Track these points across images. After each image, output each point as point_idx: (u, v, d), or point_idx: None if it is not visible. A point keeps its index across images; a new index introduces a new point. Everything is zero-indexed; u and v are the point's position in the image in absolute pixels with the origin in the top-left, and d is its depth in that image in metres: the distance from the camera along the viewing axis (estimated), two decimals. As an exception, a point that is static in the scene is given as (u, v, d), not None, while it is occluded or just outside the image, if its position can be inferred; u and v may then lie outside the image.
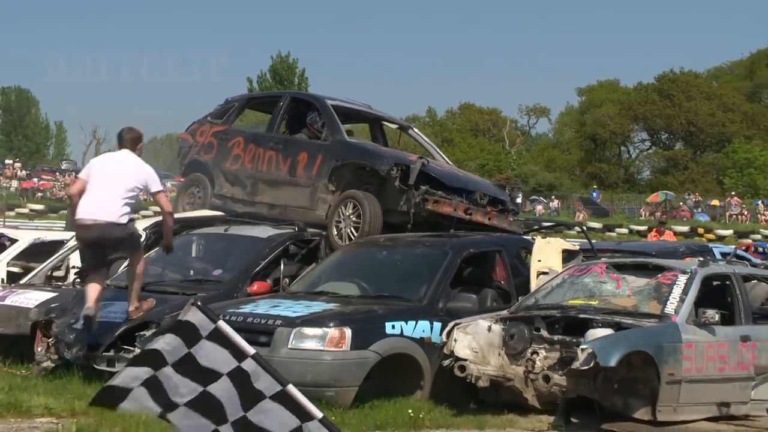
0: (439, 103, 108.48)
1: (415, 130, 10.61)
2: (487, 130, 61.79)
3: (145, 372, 2.95)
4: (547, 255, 7.51)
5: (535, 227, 9.92)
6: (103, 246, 6.82)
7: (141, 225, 9.33)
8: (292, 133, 9.55)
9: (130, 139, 7.01)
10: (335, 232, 8.23)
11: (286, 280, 7.71)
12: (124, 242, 6.85)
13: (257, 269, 7.63)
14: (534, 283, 7.26)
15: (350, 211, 8.19)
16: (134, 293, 7.02)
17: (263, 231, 8.20)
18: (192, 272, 7.96)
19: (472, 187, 8.65)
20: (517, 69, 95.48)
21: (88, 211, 6.74)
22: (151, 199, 7.09)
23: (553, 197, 42.70)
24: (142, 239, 8.69)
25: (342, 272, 7.57)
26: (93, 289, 6.86)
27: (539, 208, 39.50)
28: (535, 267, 7.43)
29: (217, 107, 10.43)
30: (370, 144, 9.50)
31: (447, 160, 10.16)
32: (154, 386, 2.93)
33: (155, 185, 6.94)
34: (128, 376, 2.99)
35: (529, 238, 8.45)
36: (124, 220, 6.78)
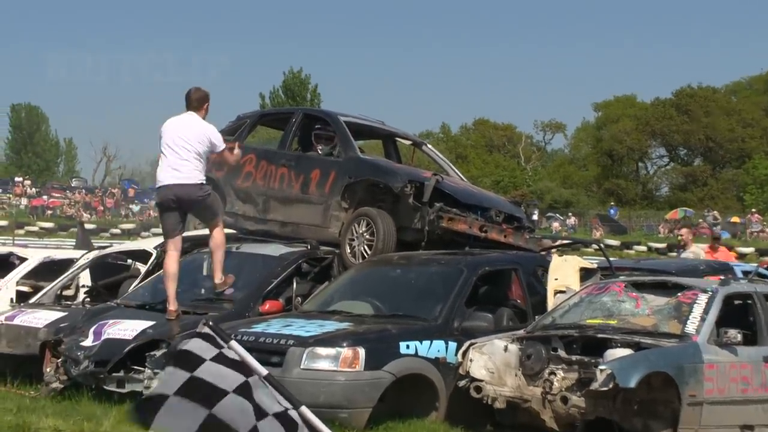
0: (453, 119, 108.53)
1: (429, 146, 10.60)
2: (502, 146, 61.78)
3: (181, 376, 2.89)
4: (564, 273, 7.48)
5: (551, 245, 9.87)
6: (181, 205, 7.29)
7: (151, 243, 9.40)
8: (304, 150, 9.56)
9: (196, 99, 7.46)
10: (348, 250, 8.23)
11: (299, 298, 7.72)
12: (202, 203, 7.33)
13: (269, 288, 7.64)
14: (551, 302, 7.22)
15: (363, 229, 8.18)
16: (218, 264, 7.44)
17: (275, 249, 8.22)
18: (203, 291, 7.97)
19: (487, 204, 8.64)
20: (533, 84, 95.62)
21: (165, 176, 7.26)
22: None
23: (569, 214, 42.59)
24: (153, 257, 8.77)
25: (355, 291, 7.56)
26: (171, 283, 7.25)
27: (556, 225, 39.40)
28: (552, 285, 7.40)
29: (229, 124, 10.46)
30: (383, 161, 9.51)
31: (461, 176, 10.14)
32: (190, 392, 2.87)
33: (219, 145, 7.45)
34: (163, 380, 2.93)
35: (545, 255, 8.43)
36: (199, 180, 7.28)
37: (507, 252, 8.10)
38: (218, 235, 7.52)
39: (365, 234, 8.17)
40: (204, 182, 7.34)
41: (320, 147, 9.11)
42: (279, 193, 9.14)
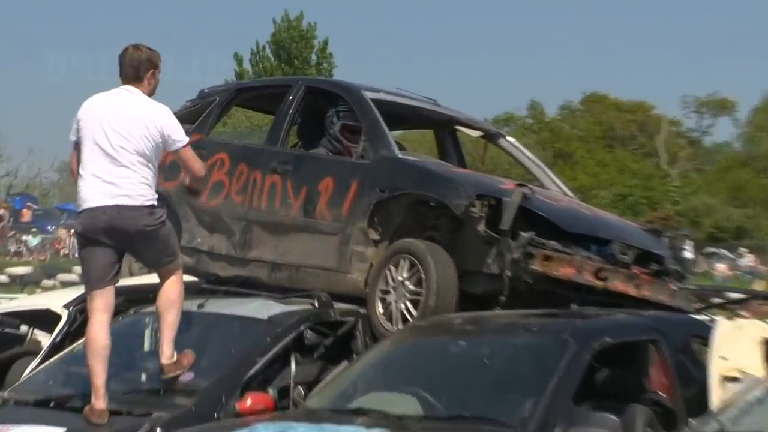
0: (548, 95, 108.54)
1: (510, 138, 10.66)
2: (631, 137, 61.65)
3: None
4: (737, 349, 7.44)
5: (716, 301, 9.82)
6: (116, 240, 7.29)
7: (59, 298, 9.47)
8: (308, 146, 9.63)
9: (134, 65, 7.49)
10: (380, 310, 8.28)
11: (300, 389, 7.75)
12: (153, 237, 7.35)
13: (252, 372, 7.65)
14: (716, 396, 7.18)
15: (405, 275, 8.23)
16: (169, 333, 7.49)
17: (261, 308, 8.27)
18: (144, 377, 8.03)
19: (608, 233, 8.66)
20: (677, 38, 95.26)
21: (92, 193, 7.26)
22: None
23: (743, 249, 42.24)
24: (63, 322, 8.83)
25: (392, 377, 7.58)
26: (99, 363, 7.21)
27: (721, 267, 39.13)
28: (717, 369, 7.36)
29: (186, 105, 10.58)
30: (436, 163, 9.55)
31: (564, 187, 10.17)
32: None
33: (177, 137, 7.43)
34: None
35: (705, 319, 8.37)
36: (148, 200, 7.28)
37: (641, 313, 8.07)
38: (173, 288, 7.59)
39: (408, 283, 8.21)
40: (156, 204, 7.41)
41: (354, 147, 9.13)
42: (268, 217, 9.23)
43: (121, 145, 7.29)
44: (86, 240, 7.44)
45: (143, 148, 7.33)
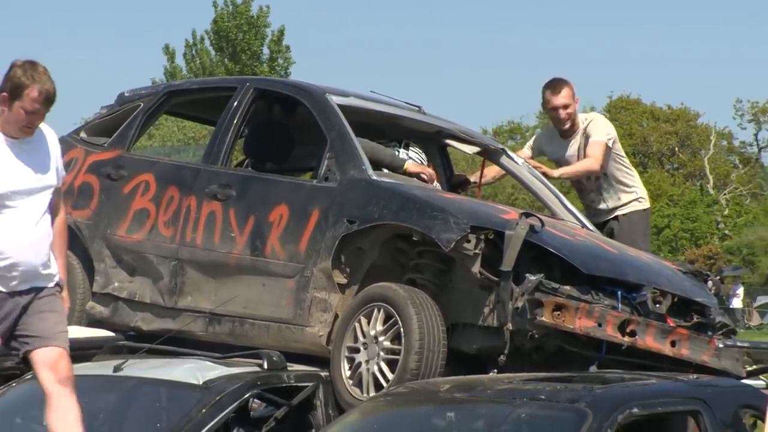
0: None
1: (512, 154, 10.69)
2: (669, 153, 61.83)
3: None
4: (799, 422, 7.45)
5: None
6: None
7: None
8: (257, 165, 9.71)
9: None
10: (347, 373, 8.31)
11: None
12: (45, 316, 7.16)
13: (184, 453, 7.67)
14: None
15: (379, 329, 8.26)
16: None
17: (195, 371, 8.25)
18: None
19: (637, 276, 8.69)
20: (728, 31, 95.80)
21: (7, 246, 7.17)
22: None
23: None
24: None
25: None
26: None
27: (781, 319, 39.29)
28: (776, 451, 7.38)
29: (101, 112, 10.58)
30: (419, 187, 9.55)
31: (582, 218, 10.17)
32: None
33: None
34: None
35: (759, 385, 8.37)
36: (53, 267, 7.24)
37: (679, 377, 8.09)
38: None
39: (383, 339, 8.24)
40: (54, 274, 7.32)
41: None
42: (204, 255, 9.26)
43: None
44: None
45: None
